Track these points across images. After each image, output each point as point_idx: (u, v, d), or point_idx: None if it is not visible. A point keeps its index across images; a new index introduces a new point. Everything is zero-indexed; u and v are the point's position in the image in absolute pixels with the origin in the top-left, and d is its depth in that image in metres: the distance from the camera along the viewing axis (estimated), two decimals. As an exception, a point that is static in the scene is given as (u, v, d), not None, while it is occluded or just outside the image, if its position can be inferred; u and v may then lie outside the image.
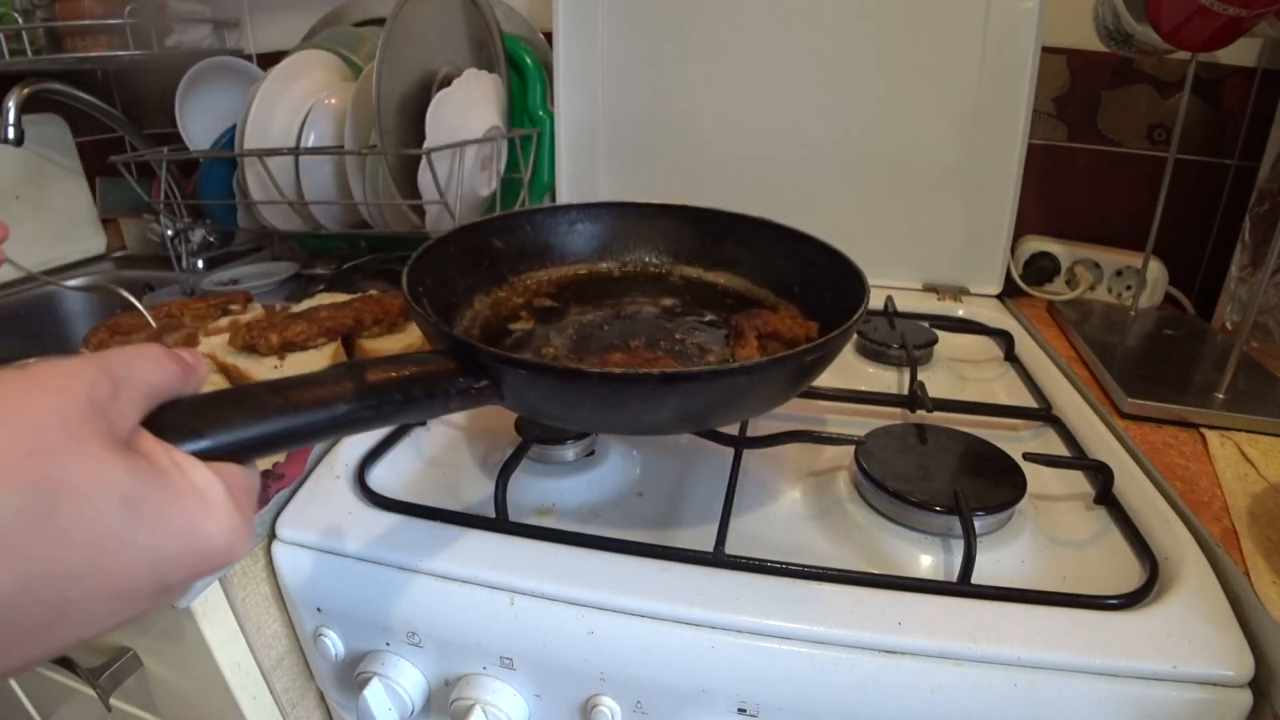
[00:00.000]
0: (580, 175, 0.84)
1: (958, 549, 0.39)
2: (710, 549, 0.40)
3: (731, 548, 0.40)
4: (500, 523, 0.43)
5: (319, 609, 0.45)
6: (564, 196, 0.85)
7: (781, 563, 0.39)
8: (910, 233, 0.78)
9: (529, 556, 0.41)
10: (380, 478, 0.48)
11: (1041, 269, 0.81)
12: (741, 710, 0.37)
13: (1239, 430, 0.53)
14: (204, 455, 0.25)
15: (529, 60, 0.83)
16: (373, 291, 0.66)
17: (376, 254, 0.88)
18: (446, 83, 0.69)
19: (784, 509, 0.46)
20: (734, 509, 0.43)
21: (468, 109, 0.70)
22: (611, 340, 0.48)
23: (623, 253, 0.58)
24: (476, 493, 0.47)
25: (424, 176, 0.66)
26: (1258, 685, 0.35)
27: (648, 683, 0.38)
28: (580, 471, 0.48)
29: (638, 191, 0.83)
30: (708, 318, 0.52)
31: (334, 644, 0.45)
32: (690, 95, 0.79)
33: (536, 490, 0.47)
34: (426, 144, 0.65)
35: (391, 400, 0.31)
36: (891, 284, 0.80)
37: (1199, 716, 0.35)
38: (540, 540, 0.42)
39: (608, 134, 0.83)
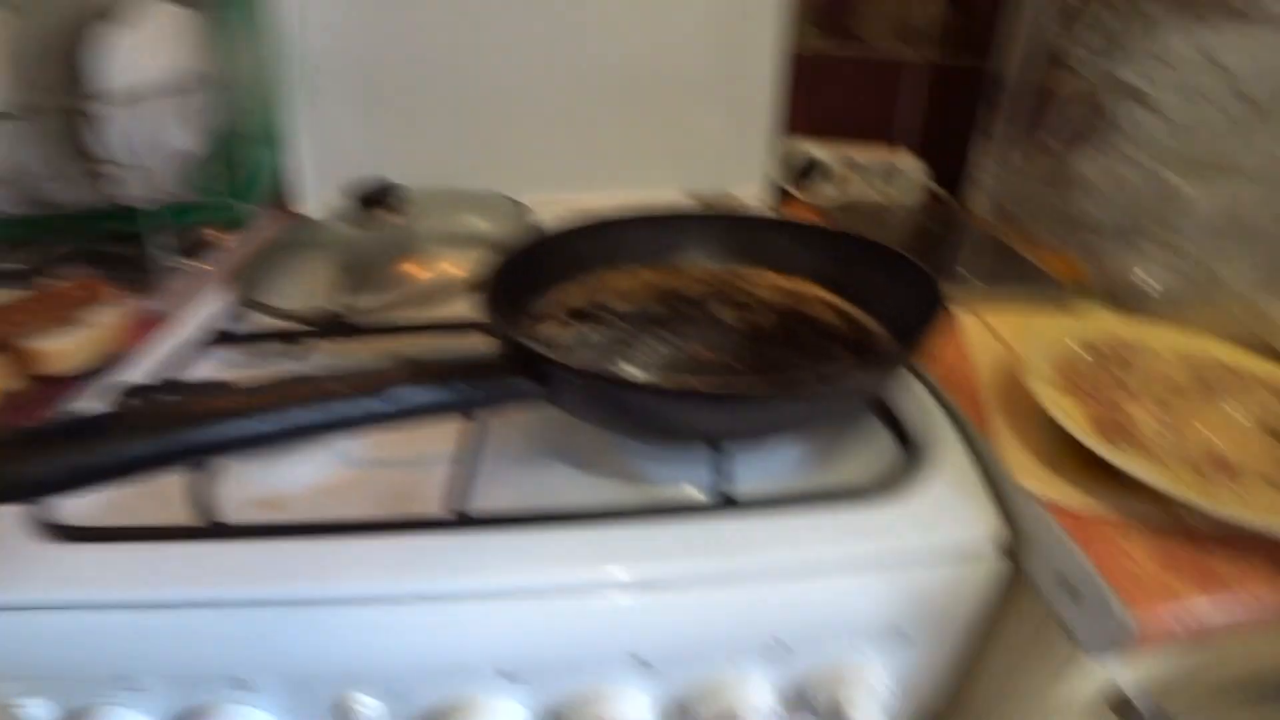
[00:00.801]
0: (328, 121, 0.73)
1: (714, 467, 0.38)
2: (448, 512, 0.36)
3: (479, 502, 0.37)
4: (209, 529, 0.36)
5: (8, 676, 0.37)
6: (305, 144, 0.74)
7: (524, 513, 0.36)
8: (671, 143, 0.77)
9: (248, 560, 0.35)
10: (69, 502, 0.40)
11: (808, 171, 0.83)
12: (503, 674, 0.35)
13: (989, 311, 0.54)
14: None
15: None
16: (63, 283, 0.55)
17: (72, 235, 0.72)
18: (108, 19, 0.57)
19: (529, 451, 0.42)
20: (477, 460, 0.40)
21: (145, 50, 0.58)
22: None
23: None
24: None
25: (99, 137, 0.54)
26: (1014, 552, 0.36)
27: (399, 668, 0.35)
28: (307, 451, 0.42)
29: (391, 128, 0.75)
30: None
31: (38, 712, 0.38)
32: (437, 19, 0.71)
33: (258, 480, 0.40)
34: (89, 97, 0.53)
35: (455, 386, 0.35)
36: (654, 193, 0.77)
37: (966, 590, 0.36)
38: (258, 539, 0.36)
39: (350, 70, 0.73)
